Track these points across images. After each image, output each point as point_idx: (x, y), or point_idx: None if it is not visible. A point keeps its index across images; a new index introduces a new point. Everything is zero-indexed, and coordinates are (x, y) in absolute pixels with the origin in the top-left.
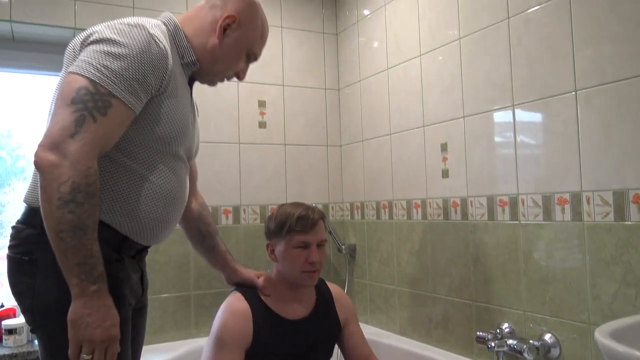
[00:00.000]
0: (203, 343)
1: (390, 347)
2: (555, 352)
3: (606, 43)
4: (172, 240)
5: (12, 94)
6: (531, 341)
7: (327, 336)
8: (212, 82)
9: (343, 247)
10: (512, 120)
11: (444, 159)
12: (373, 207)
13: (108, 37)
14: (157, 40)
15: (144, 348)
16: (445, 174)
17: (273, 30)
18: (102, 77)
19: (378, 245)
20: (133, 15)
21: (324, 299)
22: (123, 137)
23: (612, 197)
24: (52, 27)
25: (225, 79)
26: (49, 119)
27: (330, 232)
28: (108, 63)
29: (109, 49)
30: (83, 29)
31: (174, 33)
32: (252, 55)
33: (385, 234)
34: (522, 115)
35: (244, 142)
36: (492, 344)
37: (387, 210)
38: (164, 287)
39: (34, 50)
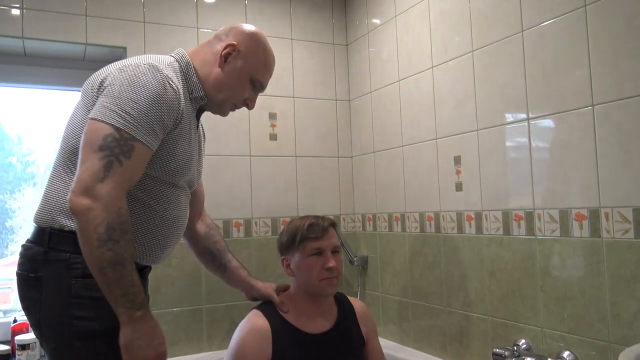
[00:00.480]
0: (215, 357)
1: None
2: None
3: (624, 58)
4: (184, 255)
5: (22, 100)
6: (550, 359)
7: (350, 350)
8: (222, 112)
9: (355, 258)
10: (527, 134)
11: (458, 172)
12: (385, 219)
13: (126, 81)
14: (171, 82)
15: None
16: (459, 187)
17: (283, 43)
18: (125, 123)
19: (391, 257)
20: (144, 30)
21: (346, 312)
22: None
23: (632, 213)
24: (64, 43)
25: (236, 108)
26: (79, 165)
27: (342, 244)
28: (129, 109)
29: (128, 94)
30: (94, 45)
31: (185, 69)
32: (257, 83)
33: (398, 246)
34: (538, 129)
35: (255, 154)
36: None
37: (399, 222)
38: (176, 301)
39: (45, 66)
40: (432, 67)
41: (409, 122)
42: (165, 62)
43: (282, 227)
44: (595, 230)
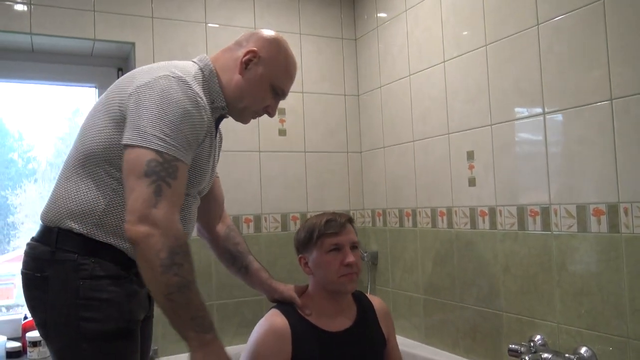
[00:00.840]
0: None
1: (416, 356)
2: None
3: None
4: (194, 251)
5: (23, 97)
6: (567, 355)
7: (372, 349)
8: (243, 120)
9: (365, 254)
10: (542, 129)
11: (471, 167)
12: (396, 215)
13: (157, 98)
14: (200, 98)
15: (169, 358)
16: (472, 182)
17: (291, 37)
18: (166, 145)
19: (402, 253)
20: (152, 26)
21: (365, 310)
22: None
23: None
24: (72, 39)
25: (257, 116)
26: (127, 195)
27: None
28: (167, 129)
29: (162, 113)
30: (102, 40)
31: (209, 78)
32: (278, 90)
33: (409, 241)
34: (554, 123)
35: (264, 150)
36: (527, 358)
37: (410, 218)
38: None
39: (53, 62)
40: (443, 62)
41: (420, 116)
42: (191, 72)
43: (291, 223)
44: (613, 226)
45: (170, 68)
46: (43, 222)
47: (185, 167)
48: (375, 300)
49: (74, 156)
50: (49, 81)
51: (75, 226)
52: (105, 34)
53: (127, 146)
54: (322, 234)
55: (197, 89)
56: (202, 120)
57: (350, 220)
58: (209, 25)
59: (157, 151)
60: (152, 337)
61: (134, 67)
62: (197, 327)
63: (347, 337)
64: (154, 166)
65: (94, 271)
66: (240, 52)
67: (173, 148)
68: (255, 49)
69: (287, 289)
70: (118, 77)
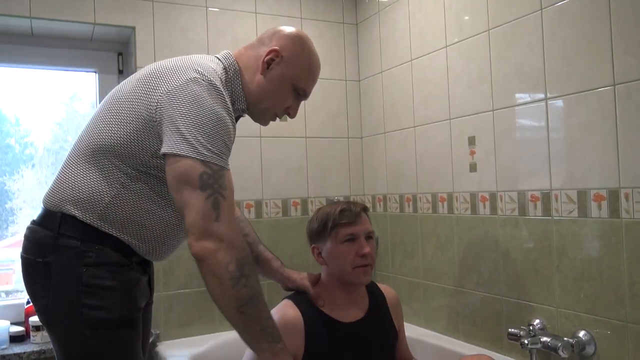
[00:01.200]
0: (228, 337)
1: (416, 340)
2: (590, 349)
3: None
4: None
5: (20, 81)
6: (566, 338)
7: (384, 340)
8: (263, 122)
9: None
10: (545, 114)
11: (472, 153)
12: (396, 200)
13: (193, 104)
14: (227, 103)
15: (173, 342)
16: (473, 167)
17: (292, 22)
18: (211, 155)
19: (402, 238)
20: (152, 10)
21: (377, 300)
22: (157, 183)
23: None
24: (72, 23)
25: (277, 117)
26: (183, 208)
27: None
28: (210, 139)
29: (201, 121)
30: (102, 24)
31: (233, 79)
32: (300, 91)
33: (410, 227)
34: (556, 108)
35: (265, 135)
36: (526, 341)
37: (411, 203)
38: (189, 282)
39: (53, 46)
40: (446, 47)
41: (421, 102)
42: (217, 72)
43: (292, 209)
44: (614, 211)
45: (198, 68)
46: (45, 206)
47: (229, 174)
48: (387, 290)
49: (85, 143)
50: (48, 66)
51: (78, 213)
52: (105, 18)
53: (173, 155)
54: (337, 224)
55: (225, 93)
56: (232, 125)
57: (365, 209)
58: (210, 9)
59: (205, 162)
60: (151, 323)
61: (135, 52)
62: (268, 337)
63: (359, 328)
64: (206, 179)
65: (97, 258)
66: (263, 51)
67: (217, 157)
68: (277, 48)
69: (301, 278)
70: (118, 62)
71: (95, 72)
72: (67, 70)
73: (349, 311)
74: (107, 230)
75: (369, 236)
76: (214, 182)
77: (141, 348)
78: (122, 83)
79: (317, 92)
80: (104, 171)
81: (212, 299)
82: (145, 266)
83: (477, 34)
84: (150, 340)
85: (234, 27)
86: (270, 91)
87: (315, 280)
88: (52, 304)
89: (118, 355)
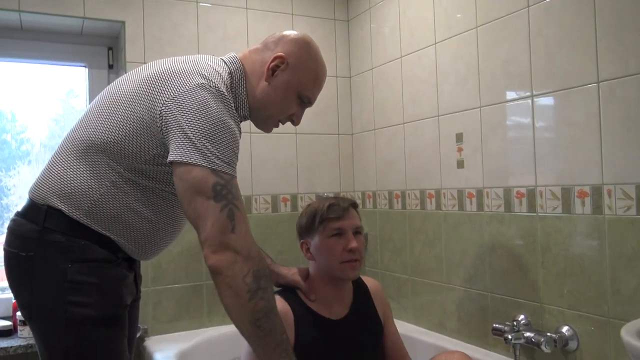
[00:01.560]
0: (216, 332)
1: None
2: (573, 344)
3: (630, 33)
4: (185, 231)
5: (16, 77)
6: (549, 334)
7: (370, 334)
8: (265, 129)
9: None
10: (530, 111)
11: (459, 150)
12: (385, 197)
13: (202, 112)
14: (233, 110)
15: (161, 337)
16: (460, 164)
17: (283, 18)
18: (223, 165)
19: (390, 234)
20: (142, 4)
21: (362, 294)
22: (147, 189)
23: (635, 190)
24: (61, 17)
25: (280, 124)
26: (197, 219)
27: None
28: (220, 147)
29: (210, 129)
30: (92, 19)
31: (238, 84)
32: (305, 99)
33: (398, 223)
34: (542, 106)
35: (255, 131)
36: (509, 337)
37: (399, 199)
38: (177, 278)
39: (43, 40)
40: (435, 44)
41: (410, 99)
42: (223, 76)
43: (282, 204)
44: (597, 207)
45: (204, 72)
46: (31, 198)
47: (237, 182)
48: (369, 281)
49: (79, 138)
50: (38, 60)
51: (64, 208)
52: (95, 12)
53: (183, 164)
54: (325, 219)
55: (231, 100)
56: (239, 132)
57: (354, 204)
58: (200, 4)
59: (217, 171)
60: (138, 320)
61: (125, 47)
62: (282, 353)
63: (345, 325)
64: (220, 190)
65: (83, 254)
66: (268, 57)
67: (228, 166)
68: (283, 54)
69: (291, 274)
70: (108, 57)
71: (85, 67)
72: (57, 65)
73: (336, 307)
74: (93, 227)
75: (357, 231)
76: (228, 192)
77: (127, 345)
78: (121, 80)
79: None
80: (95, 168)
81: (227, 312)
82: (132, 262)
83: (466, 31)
84: (138, 335)
85: (225, 22)
86: (275, 98)
87: (305, 276)
88: (35, 299)
89: (102, 353)
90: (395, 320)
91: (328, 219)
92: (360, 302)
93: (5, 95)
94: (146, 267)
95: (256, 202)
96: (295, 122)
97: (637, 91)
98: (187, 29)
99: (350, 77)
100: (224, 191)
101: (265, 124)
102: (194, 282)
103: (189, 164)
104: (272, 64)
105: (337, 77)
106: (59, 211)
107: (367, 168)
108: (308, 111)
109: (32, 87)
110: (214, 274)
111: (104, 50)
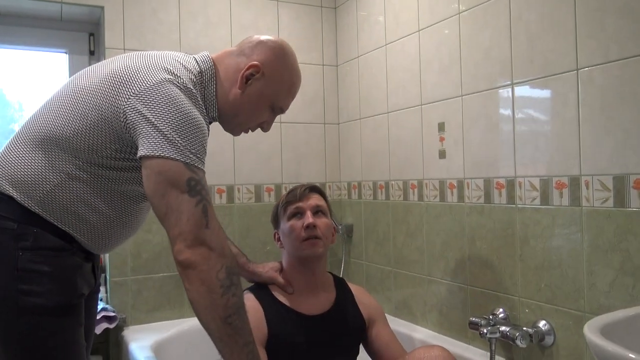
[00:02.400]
0: (194, 323)
1: None
2: (549, 339)
3: (611, 19)
4: (150, 227)
5: (23, 66)
6: (525, 328)
7: (348, 333)
8: (233, 132)
9: (340, 227)
10: (511, 100)
11: (441, 139)
12: (370, 187)
13: (171, 106)
14: (202, 105)
15: (139, 327)
16: (442, 154)
17: (269, 4)
18: (195, 159)
19: (375, 226)
20: None
21: (344, 296)
22: (104, 183)
23: (612, 182)
24: (39, 2)
25: (249, 131)
26: (171, 212)
27: None
28: (192, 142)
29: (182, 127)
30: (70, 4)
31: (207, 84)
32: (277, 109)
33: (382, 214)
34: (521, 94)
35: None
36: (485, 330)
37: (383, 190)
38: (157, 267)
39: (21, 25)
40: (418, 31)
41: (394, 88)
42: (191, 73)
43: (265, 194)
44: (575, 199)
45: (169, 67)
46: None
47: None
48: (355, 287)
49: (37, 128)
50: (18, 45)
51: (16, 195)
52: None
53: (155, 157)
54: (285, 203)
55: (199, 98)
56: (207, 129)
57: (313, 188)
58: None
59: (190, 166)
60: (97, 313)
61: (104, 33)
62: (250, 354)
63: (322, 321)
64: (194, 185)
65: (36, 242)
66: (243, 63)
67: (200, 161)
68: (258, 63)
69: (266, 271)
70: (89, 43)
71: (66, 53)
72: (37, 51)
73: (312, 303)
74: (46, 217)
75: (317, 211)
76: (202, 188)
77: (84, 336)
78: (84, 72)
79: None
80: (50, 159)
81: (194, 308)
82: (89, 252)
83: (449, 17)
84: (115, 324)
85: (206, 8)
86: (246, 107)
87: (280, 270)
88: None
89: (57, 343)
90: None
91: (287, 203)
92: (341, 302)
93: (12, 84)
94: (126, 257)
95: (239, 191)
96: (265, 129)
97: (616, 78)
98: (167, 14)
99: (337, 66)
100: (198, 187)
101: (234, 129)
102: (175, 272)
103: (162, 157)
104: (247, 72)
105: (323, 65)
106: (11, 198)
107: (353, 158)
108: (295, 100)
109: (39, 76)
110: (186, 268)
111: (85, 36)
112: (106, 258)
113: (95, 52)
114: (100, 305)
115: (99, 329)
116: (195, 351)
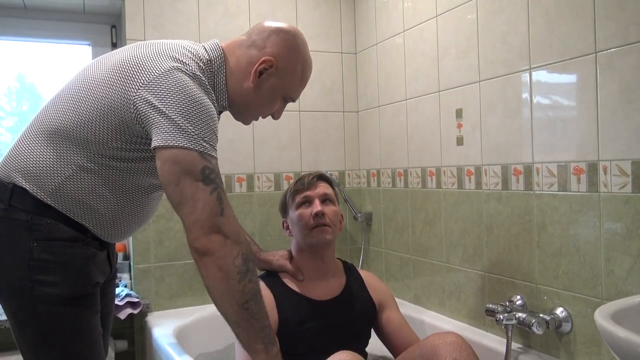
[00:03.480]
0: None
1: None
2: (567, 326)
3: (630, 0)
4: (164, 213)
5: (54, 60)
6: (541, 315)
7: (359, 317)
8: (245, 122)
9: (359, 214)
10: (528, 85)
11: (459, 126)
12: (389, 175)
13: (183, 94)
14: (212, 93)
15: (163, 313)
16: (459, 141)
17: None
18: (209, 147)
19: (394, 213)
20: None
21: (354, 281)
22: (116, 174)
23: (631, 167)
24: None
25: (260, 119)
26: (186, 200)
27: (345, 200)
28: (205, 130)
29: (195, 115)
30: None
31: (217, 73)
32: (289, 99)
33: (401, 202)
34: (539, 79)
35: None
36: (501, 317)
37: (402, 178)
38: (179, 254)
39: (46, 19)
40: (436, 16)
41: (412, 74)
42: (200, 61)
43: (284, 182)
44: (592, 185)
45: (176, 55)
46: None
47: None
48: (365, 273)
49: (47, 121)
50: (42, 38)
51: (28, 187)
52: None
53: (169, 147)
54: (293, 192)
55: (207, 83)
56: (217, 116)
57: (320, 176)
58: None
59: (204, 154)
60: (114, 298)
61: (125, 25)
62: (266, 338)
63: (331, 306)
64: (208, 173)
65: (49, 233)
66: (255, 56)
67: (212, 149)
68: (272, 58)
69: (276, 259)
70: (112, 35)
71: (89, 45)
72: (61, 43)
73: (322, 289)
74: (59, 208)
75: (325, 199)
76: (216, 176)
77: (101, 324)
78: (93, 63)
79: (313, 65)
80: (62, 151)
81: (211, 294)
82: (103, 241)
83: (466, 2)
84: (139, 310)
85: None
86: (259, 100)
87: (289, 257)
88: (3, 278)
89: (73, 331)
90: (396, 300)
91: (295, 192)
92: (351, 287)
93: (43, 77)
94: (149, 244)
95: (258, 180)
96: (276, 117)
97: (636, 61)
98: (186, 5)
99: (356, 53)
100: (212, 175)
101: (245, 119)
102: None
103: (176, 147)
104: (260, 66)
105: (342, 53)
106: (24, 190)
107: (372, 146)
108: (313, 89)
109: (64, 68)
110: (203, 256)
111: (107, 28)
112: (130, 246)
113: (117, 43)
114: (125, 291)
115: (123, 315)
116: (215, 336)
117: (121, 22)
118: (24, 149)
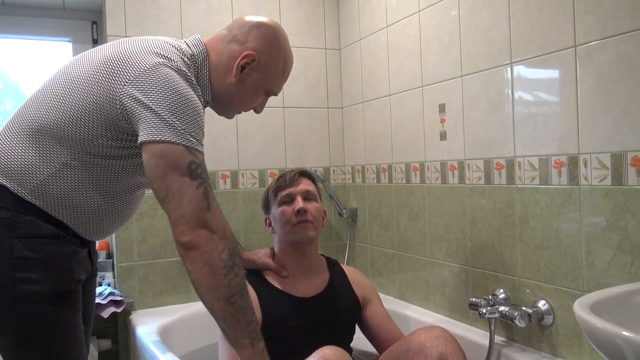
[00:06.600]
0: (200, 307)
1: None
2: (549, 319)
3: None
4: (148, 211)
5: (37, 57)
6: (524, 308)
7: (343, 312)
8: (228, 117)
9: (344, 211)
10: (510, 79)
11: (442, 121)
12: (373, 171)
13: (169, 90)
14: (198, 87)
15: (146, 311)
16: (443, 136)
17: None
18: (196, 142)
19: (378, 209)
20: None
21: (337, 277)
22: (99, 171)
23: (610, 159)
24: None
25: (242, 112)
26: (173, 195)
27: (330, 196)
28: (192, 125)
29: (182, 110)
30: None
31: (200, 68)
32: (271, 92)
33: (385, 197)
34: (520, 73)
35: None
36: (484, 311)
37: (386, 173)
38: (163, 252)
39: (26, 15)
40: (419, 11)
41: (396, 70)
42: (184, 55)
43: (269, 179)
44: (573, 178)
45: (160, 51)
46: None
47: None
48: (348, 269)
49: (29, 119)
50: (21, 35)
51: (9, 184)
52: None
53: (156, 142)
54: (275, 189)
55: (192, 78)
56: (203, 110)
57: (302, 173)
58: None
59: (190, 149)
60: (95, 296)
61: (106, 21)
62: (252, 333)
63: (314, 303)
64: (195, 168)
65: (30, 230)
66: (236, 50)
67: (199, 144)
68: (254, 53)
69: (259, 258)
70: (92, 31)
71: (70, 42)
72: (41, 40)
73: (305, 285)
74: (40, 206)
75: (308, 196)
76: (202, 171)
77: (82, 321)
78: (73, 61)
79: (296, 61)
80: (45, 150)
81: (197, 289)
82: (84, 238)
83: None
84: (123, 308)
85: None
86: (241, 95)
87: (272, 255)
88: None
89: (54, 329)
90: (382, 296)
91: (277, 189)
92: (334, 283)
93: (25, 75)
94: (132, 242)
95: (243, 177)
96: (258, 111)
97: (613, 54)
98: (168, 1)
99: (339, 49)
100: (199, 170)
101: (228, 115)
102: (180, 258)
103: (162, 141)
104: (242, 61)
105: (326, 49)
106: (4, 187)
107: (356, 142)
108: (298, 85)
109: (44, 65)
110: (189, 250)
111: (88, 24)
112: (113, 244)
113: (98, 40)
114: (108, 290)
115: (106, 313)
116: (199, 335)
117: (102, 18)
118: (3, 147)
